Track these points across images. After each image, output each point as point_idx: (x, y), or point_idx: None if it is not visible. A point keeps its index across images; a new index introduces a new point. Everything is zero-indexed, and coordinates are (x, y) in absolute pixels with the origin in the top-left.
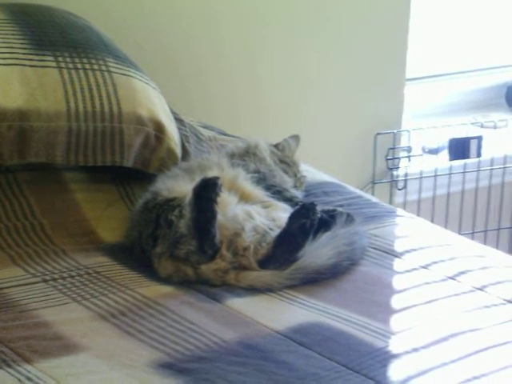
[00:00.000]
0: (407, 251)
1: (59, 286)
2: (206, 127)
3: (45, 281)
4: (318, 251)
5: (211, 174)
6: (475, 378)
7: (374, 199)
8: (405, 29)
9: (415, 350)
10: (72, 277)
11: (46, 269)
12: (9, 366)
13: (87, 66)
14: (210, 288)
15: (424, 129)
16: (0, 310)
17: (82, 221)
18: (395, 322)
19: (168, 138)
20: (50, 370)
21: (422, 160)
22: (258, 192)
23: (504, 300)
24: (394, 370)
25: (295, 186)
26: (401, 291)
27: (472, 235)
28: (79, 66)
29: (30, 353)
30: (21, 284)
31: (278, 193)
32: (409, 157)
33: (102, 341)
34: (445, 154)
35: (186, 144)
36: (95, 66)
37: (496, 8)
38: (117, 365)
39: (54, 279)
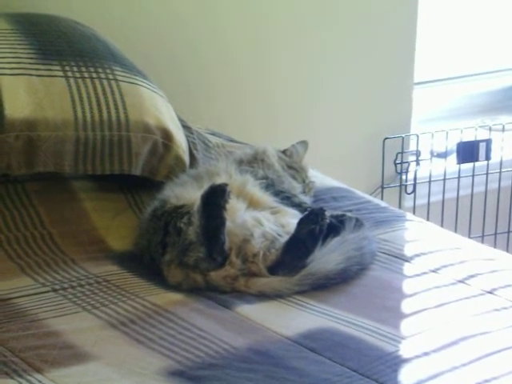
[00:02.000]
0: (417, 255)
1: (69, 295)
2: (213, 134)
3: (54, 290)
4: (328, 257)
5: (219, 180)
6: (486, 381)
7: (383, 204)
8: (412, 33)
9: (426, 354)
10: (81, 286)
11: (56, 278)
12: (19, 375)
13: (94, 75)
14: (219, 295)
15: (432, 133)
16: (10, 319)
17: (91, 230)
18: (405, 326)
19: (176, 145)
20: (60, 379)
21: (431, 164)
22: (267, 198)
23: None
24: (405, 375)
25: (304, 192)
26: (411, 295)
27: (482, 238)
28: (86, 74)
29: (40, 362)
30: (30, 294)
31: (287, 199)
32: (417, 161)
33: (112, 349)
34: (453, 157)
35: (194, 151)
36: (102, 75)
37: (502, 11)
38: (127, 373)
39: (64, 288)
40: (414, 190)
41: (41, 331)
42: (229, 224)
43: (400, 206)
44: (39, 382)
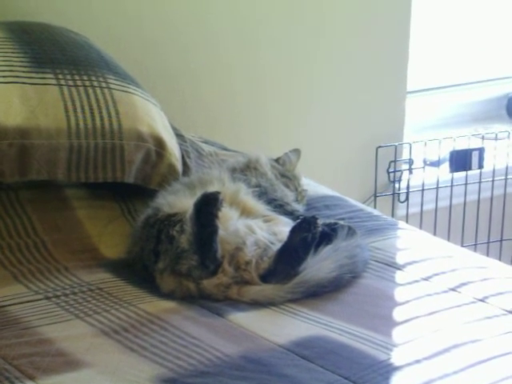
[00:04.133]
0: (408, 263)
1: (62, 302)
2: (206, 142)
3: (47, 298)
4: (320, 264)
5: (212, 188)
6: None
7: (376, 212)
8: (405, 42)
9: (417, 361)
10: (74, 293)
11: (49, 286)
12: (12, 383)
13: (87, 83)
14: (212, 303)
15: (425, 141)
16: (3, 327)
17: (84, 237)
18: (397, 334)
19: (169, 153)
20: None
21: (424, 172)
22: (260, 206)
23: (505, 311)
24: (397, 382)
25: (296, 200)
26: (402, 303)
27: (474, 247)
28: (79, 83)
29: (33, 370)
30: (23, 301)
31: (280, 207)
32: (410, 169)
33: (104, 357)
34: (446, 166)
35: (187, 159)
36: (95, 83)
37: (496, 20)
38: (120, 381)
39: (57, 296)
40: (406, 199)
41: (34, 339)
42: (221, 232)
43: (393, 215)
44: None
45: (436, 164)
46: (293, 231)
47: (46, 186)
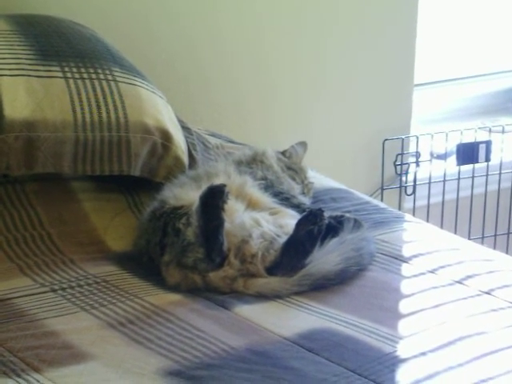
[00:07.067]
0: (415, 256)
1: (68, 295)
2: (213, 135)
3: (53, 290)
4: (326, 257)
5: (218, 181)
6: (483, 381)
7: (382, 205)
8: (412, 34)
9: (423, 354)
10: (80, 286)
11: (55, 278)
12: (18, 375)
13: (93, 76)
14: (218, 295)
15: (432, 134)
16: (9, 319)
17: (90, 230)
18: (403, 326)
19: (175, 146)
20: (58, 379)
21: (431, 165)
22: (266, 199)
23: (511, 303)
24: (403, 375)
25: (303, 193)
26: (408, 296)
27: (482, 240)
28: (85, 75)
29: (38, 362)
30: (30, 294)
31: (286, 199)
32: (417, 162)
33: (110, 349)
34: (453, 159)
35: (193, 152)
36: (101, 76)
37: (504, 13)
38: (125, 373)
39: (63, 288)
40: (413, 192)
41: (39, 331)
42: (227, 225)
43: (400, 208)
44: (37, 381)
45: (443, 157)
46: (299, 224)
47: (52, 179)
